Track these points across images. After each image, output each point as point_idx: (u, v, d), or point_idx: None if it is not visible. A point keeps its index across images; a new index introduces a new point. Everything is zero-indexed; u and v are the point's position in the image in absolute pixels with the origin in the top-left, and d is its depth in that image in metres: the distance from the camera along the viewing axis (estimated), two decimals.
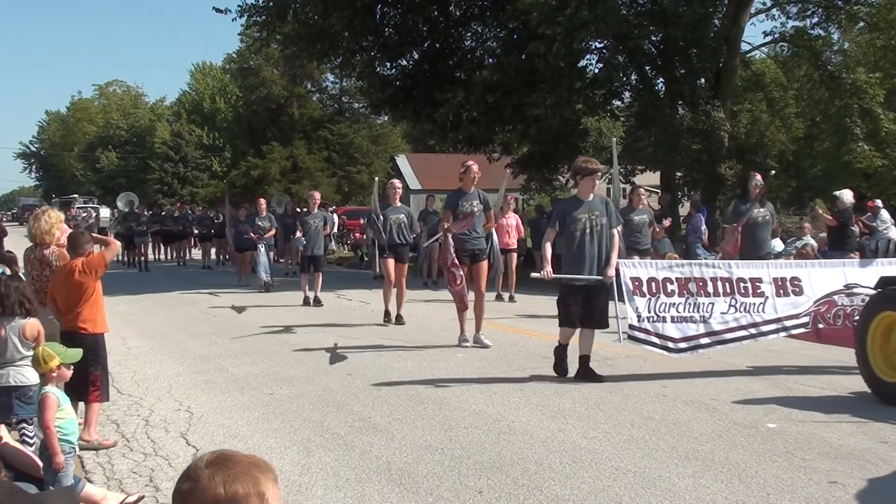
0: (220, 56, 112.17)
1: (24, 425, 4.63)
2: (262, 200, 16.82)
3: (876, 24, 19.74)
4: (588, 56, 17.92)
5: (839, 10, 18.73)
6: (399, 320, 10.31)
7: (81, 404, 5.28)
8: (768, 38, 20.82)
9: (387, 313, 10.43)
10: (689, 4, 15.99)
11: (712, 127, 16.37)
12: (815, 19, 19.36)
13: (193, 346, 9.02)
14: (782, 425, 5.37)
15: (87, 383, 5.09)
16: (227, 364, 7.87)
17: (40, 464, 4.14)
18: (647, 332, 6.78)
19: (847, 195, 12.28)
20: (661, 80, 18.31)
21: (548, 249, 7.00)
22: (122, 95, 72.54)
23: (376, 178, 15.37)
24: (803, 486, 4.21)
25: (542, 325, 10.23)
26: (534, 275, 7.12)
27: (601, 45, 17.65)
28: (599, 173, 6.97)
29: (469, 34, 20.45)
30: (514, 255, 13.61)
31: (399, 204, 10.78)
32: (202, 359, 8.25)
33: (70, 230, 6.68)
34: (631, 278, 6.83)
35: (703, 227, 14.84)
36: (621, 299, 6.81)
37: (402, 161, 50.47)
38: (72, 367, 4.41)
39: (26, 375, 4.68)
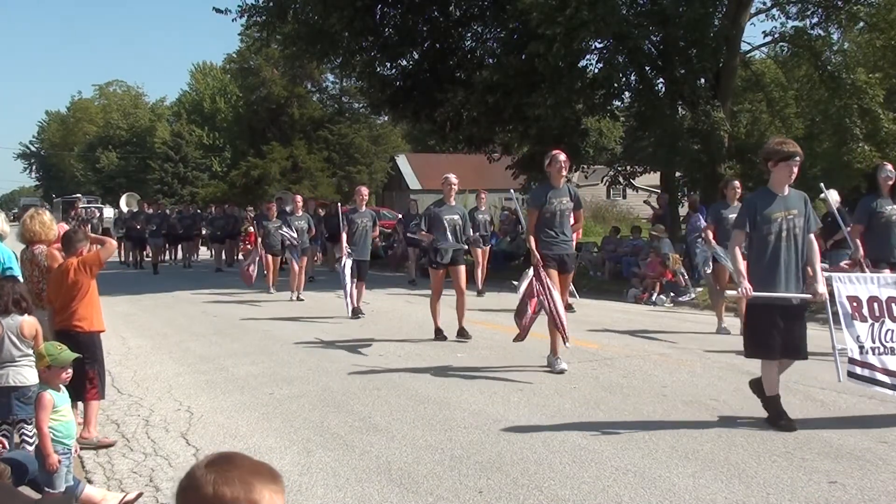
0: (220, 56, 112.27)
1: (24, 425, 4.63)
2: (299, 197, 15.36)
3: (876, 24, 19.74)
4: (588, 56, 17.93)
5: (839, 10, 18.74)
6: (463, 334, 8.94)
7: (80, 404, 5.29)
8: (768, 38, 20.84)
9: (438, 331, 9.09)
10: (689, 4, 15.99)
11: (712, 127, 16.36)
12: (815, 19, 19.39)
13: (194, 346, 9.02)
14: None
15: (83, 382, 5.10)
16: (228, 364, 7.88)
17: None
18: (871, 367, 5.39)
19: (833, 196, 12.17)
20: (661, 80, 18.31)
21: (740, 258, 5.53)
22: (122, 95, 72.52)
23: None
24: (803, 486, 4.21)
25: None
26: (729, 293, 5.98)
27: (601, 45, 17.65)
28: (798, 157, 5.54)
29: (469, 34, 20.46)
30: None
31: (454, 203, 9.43)
32: (202, 359, 8.25)
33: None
34: (848, 297, 5.48)
35: (704, 225, 14.81)
36: (836, 323, 5.58)
37: (402, 161, 50.53)
38: (67, 369, 4.41)
39: (25, 376, 4.69)
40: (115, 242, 5.66)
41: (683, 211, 19.86)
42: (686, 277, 13.10)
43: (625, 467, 4.54)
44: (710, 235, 9.28)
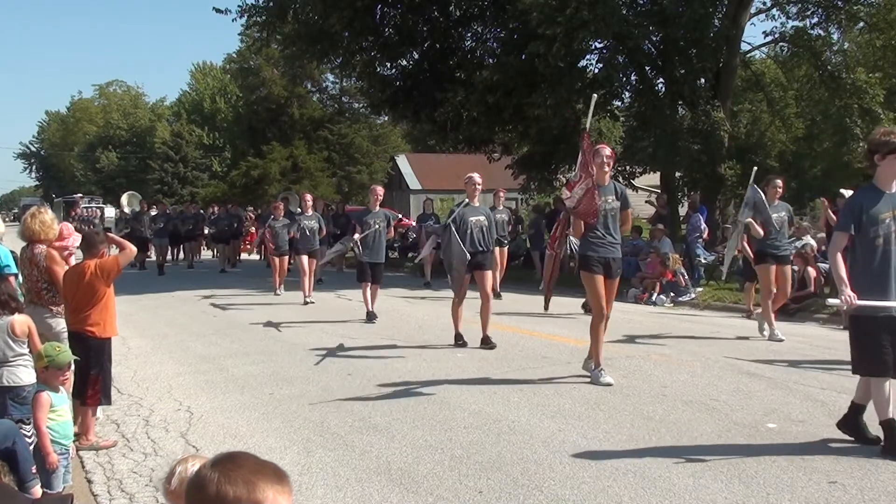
0: (220, 56, 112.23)
1: (22, 426, 4.63)
2: (309, 196, 14.96)
3: (876, 24, 19.73)
4: (588, 56, 17.94)
5: (839, 10, 18.73)
6: (487, 343, 8.35)
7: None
8: (768, 38, 20.83)
9: (458, 336, 8.55)
10: (689, 4, 16.00)
11: (712, 127, 16.37)
12: (815, 19, 19.37)
13: (194, 346, 9.02)
14: (782, 425, 5.37)
15: (85, 386, 5.10)
16: (228, 364, 7.88)
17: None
18: None
19: (849, 194, 12.20)
20: (661, 80, 18.31)
21: (841, 263, 4.87)
22: (122, 95, 72.49)
23: None
24: (803, 486, 4.21)
25: (543, 324, 10.23)
26: (831, 301, 5.45)
27: (601, 45, 17.66)
28: None
29: (469, 34, 20.46)
30: None
31: (478, 203, 8.88)
32: (202, 359, 8.26)
33: (76, 231, 6.69)
34: None
35: (703, 226, 14.83)
36: None
37: (402, 161, 50.51)
38: (66, 371, 4.40)
39: (19, 376, 4.67)
40: (134, 248, 5.54)
41: (683, 211, 19.87)
42: (686, 277, 13.11)
43: (625, 467, 4.54)
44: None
